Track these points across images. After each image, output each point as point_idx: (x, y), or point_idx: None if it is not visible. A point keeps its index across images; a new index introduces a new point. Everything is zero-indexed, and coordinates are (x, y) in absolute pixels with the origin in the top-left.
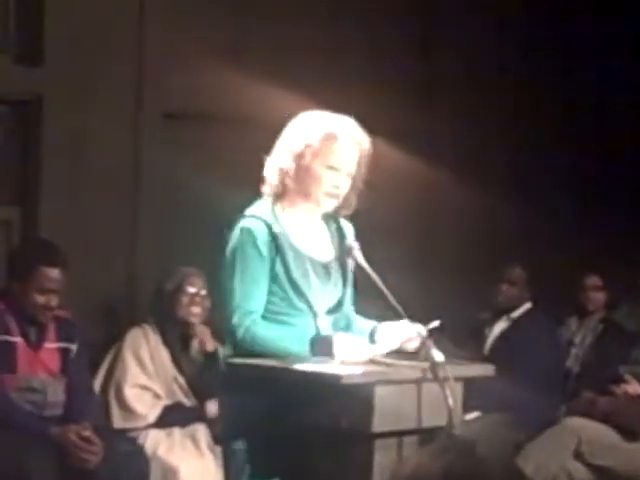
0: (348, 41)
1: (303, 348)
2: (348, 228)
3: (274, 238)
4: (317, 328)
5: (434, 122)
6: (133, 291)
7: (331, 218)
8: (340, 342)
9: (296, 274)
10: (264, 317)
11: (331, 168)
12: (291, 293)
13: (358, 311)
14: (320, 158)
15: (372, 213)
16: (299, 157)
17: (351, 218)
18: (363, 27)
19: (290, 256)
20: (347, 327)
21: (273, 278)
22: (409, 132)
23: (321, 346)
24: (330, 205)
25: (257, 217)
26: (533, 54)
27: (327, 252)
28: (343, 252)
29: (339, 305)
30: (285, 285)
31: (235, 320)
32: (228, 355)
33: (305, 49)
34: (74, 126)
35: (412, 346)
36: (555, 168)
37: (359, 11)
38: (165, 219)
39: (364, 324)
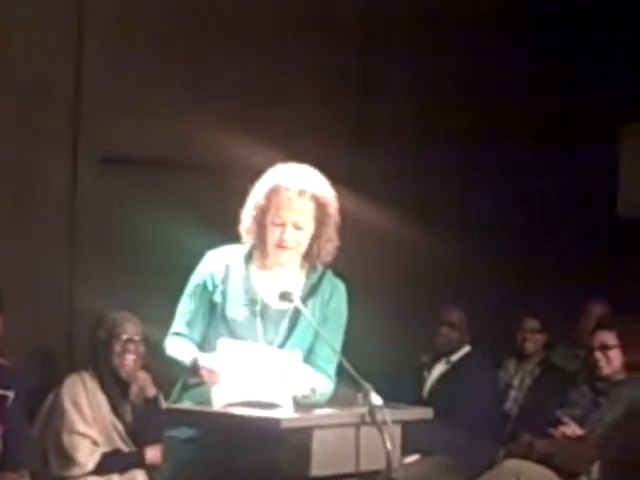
0: (287, 85)
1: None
2: (330, 286)
3: (225, 270)
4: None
5: (369, 160)
6: (70, 337)
7: (314, 272)
8: (205, 364)
9: (230, 308)
10: (206, 345)
11: (274, 224)
12: (223, 327)
13: None
14: (268, 214)
15: None
16: (253, 214)
17: None
18: (302, 70)
19: (232, 293)
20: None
21: (214, 306)
22: (342, 171)
23: (194, 367)
24: (283, 257)
25: (224, 248)
26: (475, 86)
27: (287, 303)
28: (279, 293)
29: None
30: (219, 316)
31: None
32: (167, 401)
33: (249, 93)
34: (11, 170)
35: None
36: (497, 206)
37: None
38: (102, 263)
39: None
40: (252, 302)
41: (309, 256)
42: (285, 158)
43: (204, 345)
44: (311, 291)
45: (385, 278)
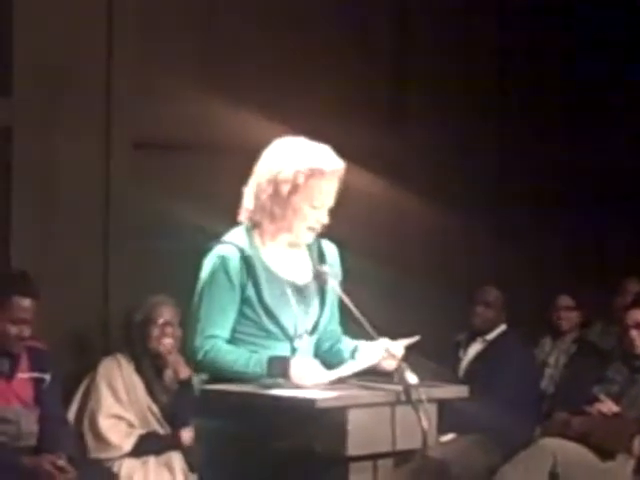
0: (318, 66)
1: (255, 369)
2: (330, 250)
3: (246, 263)
4: (294, 350)
5: (405, 145)
6: (106, 320)
7: (313, 241)
8: (297, 365)
9: (269, 297)
10: (236, 341)
11: (313, 207)
12: (263, 317)
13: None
14: (303, 195)
15: (342, 236)
16: (280, 190)
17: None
18: (333, 52)
19: (263, 280)
20: (331, 348)
21: (245, 302)
22: (378, 155)
23: (278, 367)
24: (310, 237)
25: (230, 243)
26: (505, 82)
27: (305, 275)
28: (313, 272)
29: (317, 327)
30: (257, 309)
31: (196, 343)
32: (203, 381)
33: (276, 75)
34: (43, 156)
35: (389, 365)
36: (528, 189)
37: (329, 36)
38: (136, 247)
39: (350, 344)
40: (281, 284)
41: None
42: (324, 140)
43: (235, 341)
44: (320, 260)
45: (419, 259)
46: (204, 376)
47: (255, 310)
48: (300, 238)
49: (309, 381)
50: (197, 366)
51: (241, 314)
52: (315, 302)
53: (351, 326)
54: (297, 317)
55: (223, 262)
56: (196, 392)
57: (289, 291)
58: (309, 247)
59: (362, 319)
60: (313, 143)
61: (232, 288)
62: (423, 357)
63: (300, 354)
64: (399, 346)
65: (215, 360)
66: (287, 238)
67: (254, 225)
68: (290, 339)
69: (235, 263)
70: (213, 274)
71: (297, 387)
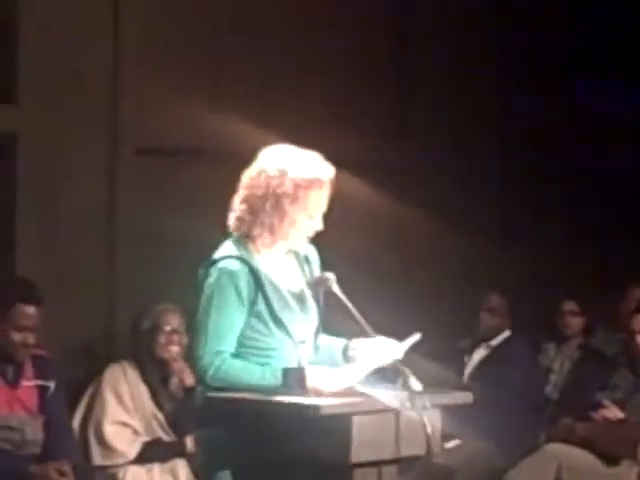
0: (318, 74)
1: (271, 381)
2: (312, 252)
3: (254, 275)
4: (299, 358)
5: (407, 154)
6: (111, 327)
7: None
8: (313, 374)
9: (278, 308)
10: (244, 354)
11: (312, 217)
12: (274, 328)
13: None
14: (301, 206)
15: (345, 243)
16: (281, 203)
17: (324, 249)
18: (334, 59)
19: (270, 291)
20: (316, 347)
21: (256, 316)
22: (382, 164)
23: (293, 378)
24: (304, 244)
25: (235, 257)
26: (509, 96)
27: (298, 281)
28: (314, 279)
29: (318, 331)
30: (268, 321)
31: (205, 360)
32: (204, 390)
33: (280, 83)
34: (48, 164)
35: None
36: (529, 195)
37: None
38: (141, 255)
39: (330, 341)
40: (283, 294)
41: None
42: (323, 148)
43: (241, 354)
44: (307, 261)
45: (425, 264)
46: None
47: (267, 324)
48: (296, 246)
49: (327, 389)
50: (207, 382)
51: (249, 327)
52: (312, 307)
53: (347, 324)
54: (300, 324)
55: (232, 277)
56: (198, 401)
57: (290, 299)
58: (294, 252)
59: (363, 322)
60: (302, 151)
61: (241, 303)
62: (426, 361)
63: (304, 360)
64: (400, 347)
65: (227, 376)
66: (282, 247)
67: (246, 235)
68: (295, 347)
69: (244, 278)
70: (221, 289)
71: (315, 396)
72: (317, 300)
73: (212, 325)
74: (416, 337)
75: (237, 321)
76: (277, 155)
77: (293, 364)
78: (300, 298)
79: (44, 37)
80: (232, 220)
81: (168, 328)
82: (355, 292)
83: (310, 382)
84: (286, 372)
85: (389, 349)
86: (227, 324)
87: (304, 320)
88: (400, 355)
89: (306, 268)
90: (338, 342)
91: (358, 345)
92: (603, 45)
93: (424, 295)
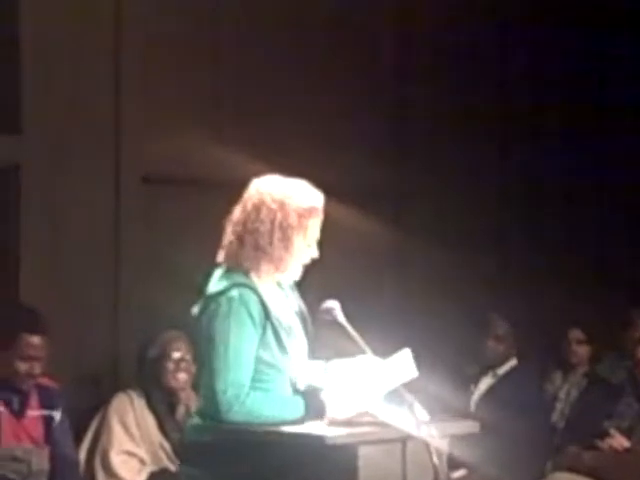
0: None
1: (294, 412)
2: (292, 280)
3: (263, 305)
4: (295, 386)
5: (403, 181)
6: (115, 355)
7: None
8: (332, 403)
9: (284, 337)
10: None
11: (309, 245)
12: (281, 359)
13: None
14: (302, 235)
15: (341, 271)
16: (288, 235)
17: (319, 276)
18: (333, 86)
19: (275, 320)
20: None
21: (264, 347)
22: (378, 192)
23: (314, 408)
24: (299, 272)
25: (244, 285)
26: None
27: (290, 309)
28: (320, 309)
29: (307, 356)
30: (276, 352)
31: (230, 393)
32: (200, 424)
33: (283, 113)
34: (52, 193)
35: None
36: (533, 220)
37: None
38: (146, 283)
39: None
40: (282, 323)
41: None
42: (325, 177)
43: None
44: (292, 290)
45: (429, 292)
46: (197, 419)
47: (274, 354)
48: (294, 275)
49: (343, 416)
50: (229, 416)
51: (257, 360)
52: (300, 332)
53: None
54: (298, 353)
55: (247, 306)
56: (192, 434)
57: (291, 329)
58: (278, 282)
59: (368, 350)
60: (292, 181)
61: (257, 333)
62: (432, 387)
63: (300, 386)
64: (412, 366)
65: (252, 410)
66: (280, 277)
67: (238, 266)
68: (295, 376)
69: (256, 307)
70: (238, 320)
71: (330, 423)
72: (306, 329)
73: (233, 355)
74: (407, 352)
75: (254, 350)
76: (271, 187)
77: (287, 392)
78: (294, 326)
79: (47, 68)
80: (232, 258)
81: (176, 356)
82: (354, 320)
83: (330, 409)
84: (307, 402)
85: (398, 368)
86: (248, 354)
87: (299, 348)
88: (415, 373)
89: (291, 297)
90: (317, 364)
91: (336, 366)
92: None
93: (429, 322)
